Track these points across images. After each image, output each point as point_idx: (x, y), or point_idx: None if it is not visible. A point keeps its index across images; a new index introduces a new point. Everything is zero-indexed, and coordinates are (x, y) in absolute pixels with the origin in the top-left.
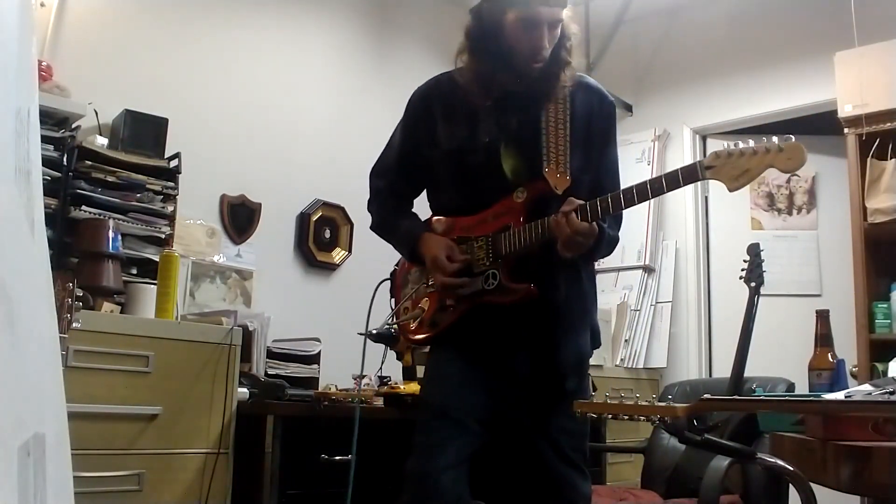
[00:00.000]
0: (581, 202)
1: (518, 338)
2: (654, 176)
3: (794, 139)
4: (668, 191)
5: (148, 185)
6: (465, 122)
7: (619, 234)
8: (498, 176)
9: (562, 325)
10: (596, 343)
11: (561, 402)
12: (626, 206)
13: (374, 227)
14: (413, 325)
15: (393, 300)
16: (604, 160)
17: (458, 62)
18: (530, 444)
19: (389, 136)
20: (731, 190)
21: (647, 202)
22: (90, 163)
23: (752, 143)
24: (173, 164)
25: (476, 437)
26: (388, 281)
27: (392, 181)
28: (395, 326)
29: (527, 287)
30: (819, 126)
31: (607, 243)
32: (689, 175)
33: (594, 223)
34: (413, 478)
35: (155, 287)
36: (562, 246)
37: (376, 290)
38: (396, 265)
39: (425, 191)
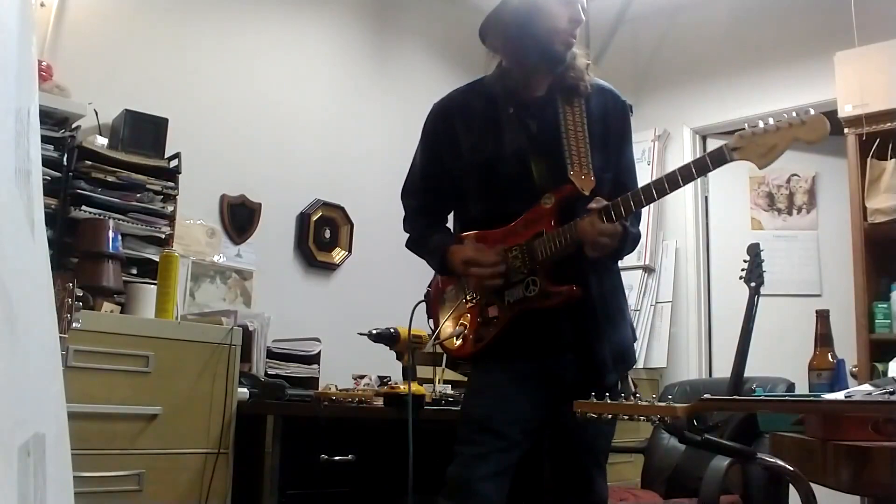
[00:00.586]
0: (606, 203)
1: (562, 342)
2: (672, 170)
3: (812, 111)
4: (698, 177)
5: (148, 185)
6: (490, 132)
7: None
8: (526, 184)
9: (602, 322)
10: (633, 336)
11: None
12: (659, 197)
13: (408, 245)
14: (457, 343)
15: (431, 321)
16: (622, 159)
17: (488, 68)
18: (565, 444)
19: (413, 156)
20: (760, 167)
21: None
22: (90, 163)
23: (771, 121)
24: (173, 164)
25: (518, 447)
26: (424, 303)
27: (421, 200)
28: (438, 345)
29: (569, 288)
30: None
31: (632, 241)
32: (716, 159)
33: (618, 223)
34: (453, 483)
35: (155, 287)
36: (589, 248)
37: (413, 312)
38: (429, 286)
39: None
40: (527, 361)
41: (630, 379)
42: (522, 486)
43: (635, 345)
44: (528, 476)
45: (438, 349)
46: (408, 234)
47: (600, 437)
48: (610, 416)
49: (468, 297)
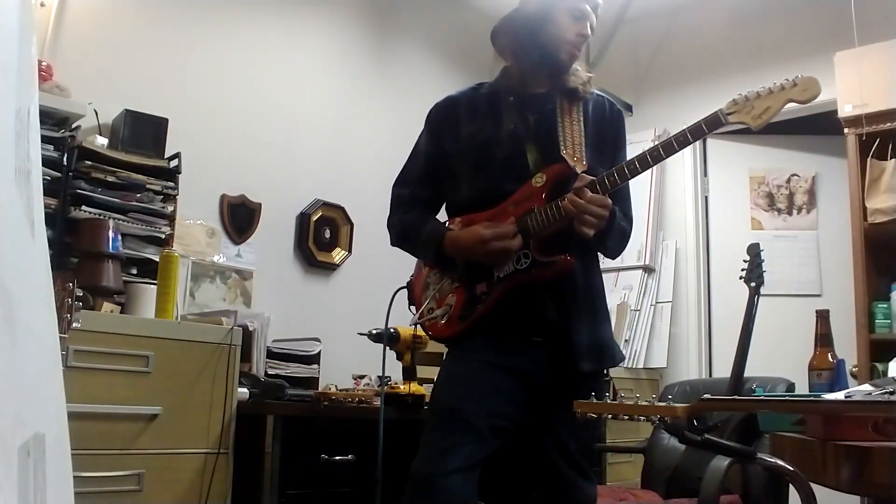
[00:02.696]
0: (588, 178)
1: (545, 320)
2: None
3: (801, 75)
4: (694, 141)
5: (148, 185)
6: (490, 119)
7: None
8: (519, 165)
9: (583, 308)
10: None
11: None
12: (655, 163)
13: (396, 239)
14: (442, 322)
15: (413, 307)
16: (616, 163)
17: (493, 72)
18: (538, 446)
19: (411, 150)
20: (755, 128)
21: (648, 200)
22: (90, 163)
23: (764, 86)
24: (173, 164)
25: (488, 442)
26: (406, 289)
27: (416, 190)
28: (420, 327)
29: (563, 258)
30: (819, 126)
31: (619, 232)
32: (711, 123)
33: (607, 198)
34: (418, 479)
35: (155, 287)
36: (578, 222)
37: (393, 297)
38: (412, 276)
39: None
40: (505, 354)
41: (612, 382)
42: (498, 486)
43: (628, 346)
44: (513, 490)
45: (421, 330)
46: (391, 229)
47: (573, 438)
48: (579, 413)
49: (454, 279)
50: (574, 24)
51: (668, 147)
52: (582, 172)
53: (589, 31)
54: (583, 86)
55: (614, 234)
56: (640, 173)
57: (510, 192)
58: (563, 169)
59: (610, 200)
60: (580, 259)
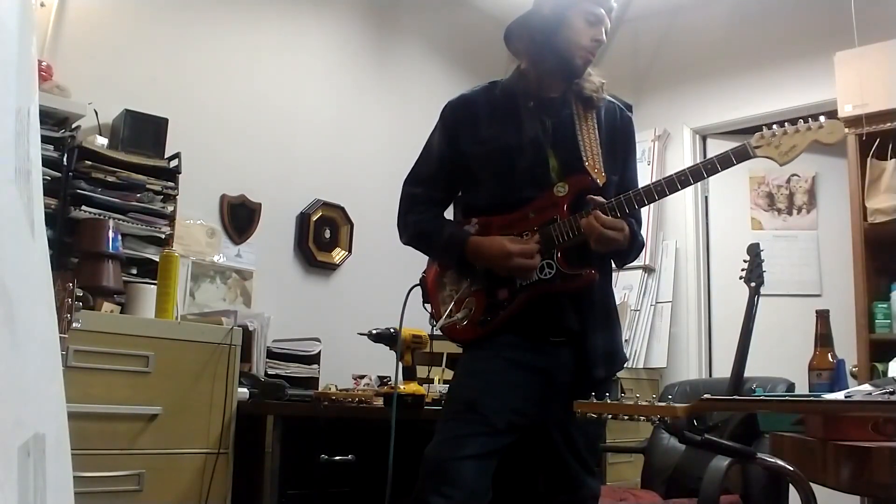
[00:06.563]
0: (601, 200)
1: (566, 329)
2: (690, 165)
3: (823, 118)
4: (722, 170)
5: (148, 185)
6: (511, 122)
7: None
8: (540, 172)
9: (601, 316)
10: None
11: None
12: (683, 187)
13: (410, 240)
14: (461, 326)
15: (427, 305)
16: (627, 171)
17: (506, 72)
18: (548, 441)
19: (423, 147)
20: (781, 164)
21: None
22: (90, 163)
23: (787, 125)
24: (173, 164)
25: (501, 437)
26: (419, 287)
27: (429, 189)
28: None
29: (589, 271)
30: None
31: (638, 246)
32: (740, 154)
33: (622, 221)
34: (431, 462)
35: (155, 287)
36: (594, 242)
37: (407, 295)
38: (424, 272)
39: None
40: (525, 351)
41: (620, 383)
42: (515, 490)
43: (628, 346)
44: (520, 480)
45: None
46: (404, 228)
47: (582, 435)
48: (579, 413)
49: (474, 280)
50: (589, 28)
51: (696, 173)
52: (603, 185)
53: (604, 36)
54: (596, 92)
55: (633, 254)
56: (666, 196)
57: (530, 198)
58: (586, 181)
59: (625, 224)
60: (600, 270)
